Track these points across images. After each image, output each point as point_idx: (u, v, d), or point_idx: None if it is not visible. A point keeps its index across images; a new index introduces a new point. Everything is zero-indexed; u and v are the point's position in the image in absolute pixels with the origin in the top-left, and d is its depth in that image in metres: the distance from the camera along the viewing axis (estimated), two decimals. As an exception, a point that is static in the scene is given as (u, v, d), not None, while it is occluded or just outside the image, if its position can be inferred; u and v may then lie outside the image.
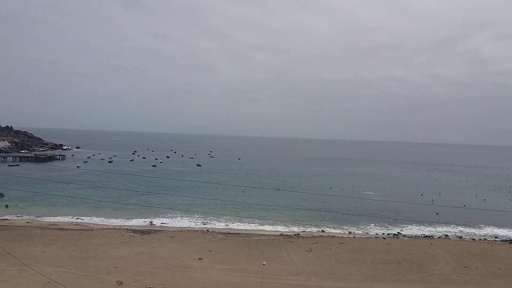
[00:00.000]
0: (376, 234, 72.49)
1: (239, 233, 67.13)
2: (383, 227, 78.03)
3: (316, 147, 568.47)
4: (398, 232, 74.25)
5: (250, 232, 69.37)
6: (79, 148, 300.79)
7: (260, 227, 74.73)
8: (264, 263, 43.72)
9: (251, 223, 77.28)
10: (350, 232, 73.03)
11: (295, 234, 68.47)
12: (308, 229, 73.96)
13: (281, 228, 73.98)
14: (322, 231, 73.25)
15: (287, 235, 67.55)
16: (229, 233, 66.66)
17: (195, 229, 69.93)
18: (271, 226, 75.34)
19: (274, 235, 66.72)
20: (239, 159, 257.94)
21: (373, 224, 79.87)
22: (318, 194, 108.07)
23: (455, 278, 46.70)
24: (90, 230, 65.21)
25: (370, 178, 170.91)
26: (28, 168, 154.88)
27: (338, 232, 73.21)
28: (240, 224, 76.54)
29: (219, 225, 75.08)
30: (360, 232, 74.02)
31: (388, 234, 72.84)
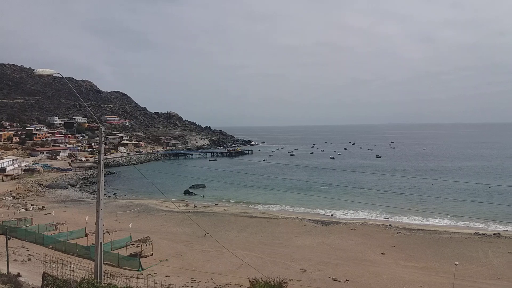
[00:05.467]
0: None
1: (425, 230, 62.18)
2: None
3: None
4: None
5: (438, 228, 63.55)
6: (264, 143, 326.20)
7: (451, 224, 67.84)
8: (457, 263, 39.43)
9: (440, 219, 70.73)
10: None
11: (494, 233, 59.70)
12: (511, 229, 63.68)
13: (476, 226, 65.67)
14: (531, 231, 62.08)
15: (484, 234, 59.44)
16: (414, 229, 62.43)
17: (377, 223, 67.77)
18: (463, 223, 67.66)
19: (468, 233, 59.54)
20: (424, 149, 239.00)
21: None
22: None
23: None
24: (276, 218, 69.93)
25: None
26: (223, 162, 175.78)
27: (553, 233, 60.90)
28: (427, 219, 70.84)
29: (403, 220, 71.08)
30: None
31: None
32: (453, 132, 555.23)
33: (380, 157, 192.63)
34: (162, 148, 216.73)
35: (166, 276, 38.23)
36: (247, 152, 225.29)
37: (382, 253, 48.78)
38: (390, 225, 65.50)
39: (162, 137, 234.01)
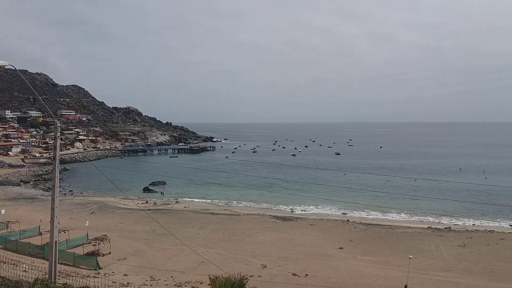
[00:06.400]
0: (549, 231, 61.90)
1: (381, 225, 64.38)
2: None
3: (479, 132, 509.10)
4: None
5: (393, 223, 65.95)
6: (227, 140, 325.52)
7: (405, 219, 70.54)
8: (411, 256, 41.09)
9: (395, 214, 73.39)
10: (513, 228, 63.87)
11: (445, 228, 62.68)
12: (461, 222, 67.10)
13: (429, 221, 68.67)
14: (478, 225, 65.65)
15: (436, 228, 62.27)
16: (370, 224, 64.50)
17: (335, 218, 69.47)
18: (417, 218, 70.56)
19: (421, 228, 62.19)
20: (381, 147, 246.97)
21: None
22: (472, 184, 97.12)
23: None
24: (237, 215, 70.08)
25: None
26: (184, 159, 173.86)
27: (497, 226, 64.76)
28: (383, 215, 73.33)
29: (360, 215, 73.23)
30: (527, 228, 64.14)
31: None
32: (409, 131, 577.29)
33: (339, 154, 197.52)
34: (121, 144, 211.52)
35: (125, 275, 37.44)
36: (209, 148, 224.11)
37: (340, 248, 50.06)
38: (347, 220, 67.29)
39: (121, 133, 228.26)
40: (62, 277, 25.00)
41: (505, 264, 43.99)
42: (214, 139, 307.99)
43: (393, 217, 71.89)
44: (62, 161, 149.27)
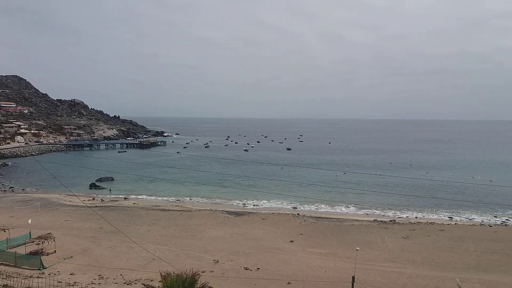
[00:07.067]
0: (482, 221, 66.60)
1: (330, 218, 66.38)
2: (489, 214, 71.36)
3: (422, 128, 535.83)
4: (507, 219, 67.48)
5: (342, 217, 68.17)
6: (178, 134, 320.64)
7: (353, 212, 73.06)
8: (358, 248, 42.71)
9: (343, 208, 75.84)
10: (450, 219, 68.09)
11: (390, 220, 65.74)
12: (405, 215, 70.54)
13: (375, 214, 71.60)
14: (420, 217, 69.33)
15: (381, 221, 65.14)
16: (320, 217, 66.29)
17: (286, 212, 70.70)
18: (364, 211, 73.28)
19: (368, 221, 64.78)
20: (329, 143, 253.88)
21: (477, 211, 73.41)
22: (415, 178, 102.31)
23: None
24: (189, 211, 69.42)
25: (477, 161, 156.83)
26: (134, 154, 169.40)
27: (437, 218, 68.74)
28: (332, 208, 75.53)
29: (310, 209, 74.97)
30: (462, 218, 68.58)
31: (495, 221, 66.52)
32: (356, 127, 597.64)
33: (290, 149, 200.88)
34: (66, 138, 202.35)
35: (71, 274, 36.04)
36: (159, 143, 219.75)
37: (290, 241, 51.05)
38: (298, 214, 68.75)
39: (66, 127, 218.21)
40: (2, 278, 23.70)
41: (444, 254, 46.85)
42: (165, 134, 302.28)
43: (341, 210, 74.24)
44: (2, 156, 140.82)
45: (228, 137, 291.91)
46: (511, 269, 41.79)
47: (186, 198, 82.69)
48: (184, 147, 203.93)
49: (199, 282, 21.21)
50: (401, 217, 69.29)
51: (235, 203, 78.66)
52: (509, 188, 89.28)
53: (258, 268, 40.27)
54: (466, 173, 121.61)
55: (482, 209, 74.76)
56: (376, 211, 73.27)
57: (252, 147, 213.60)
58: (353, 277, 30.69)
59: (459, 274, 39.12)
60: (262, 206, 76.51)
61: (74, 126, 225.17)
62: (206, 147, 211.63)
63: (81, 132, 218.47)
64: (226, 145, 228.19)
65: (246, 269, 40.05)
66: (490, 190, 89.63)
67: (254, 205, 77.18)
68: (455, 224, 63.81)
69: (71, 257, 41.91)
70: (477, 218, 68.57)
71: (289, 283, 36.29)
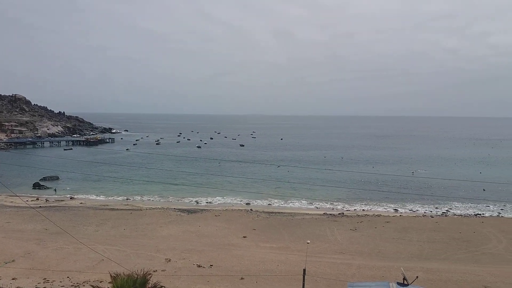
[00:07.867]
0: (424, 212, 70.47)
1: (282, 212, 67.53)
2: (431, 205, 75.59)
3: (370, 124, 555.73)
4: (447, 210, 71.85)
5: (293, 211, 69.56)
6: (128, 131, 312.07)
7: (304, 206, 74.69)
8: (308, 241, 43.81)
9: (294, 202, 77.35)
10: (396, 211, 71.47)
11: (339, 213, 67.90)
12: (353, 208, 73.12)
13: (325, 207, 73.61)
14: (367, 210, 72.18)
15: (331, 214, 67.12)
16: (272, 212, 67.24)
17: (239, 208, 71.06)
18: (314, 205, 75.13)
19: (318, 214, 66.54)
20: (281, 139, 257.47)
21: (420, 202, 77.51)
22: (363, 173, 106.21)
23: (509, 257, 44.69)
24: (140, 210, 67.92)
25: (420, 155, 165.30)
26: (80, 152, 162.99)
27: (383, 210, 71.88)
28: (284, 203, 76.81)
29: (263, 204, 75.79)
30: (406, 210, 72.21)
31: (436, 212, 70.64)
32: (307, 123, 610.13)
33: (243, 145, 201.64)
34: (6, 136, 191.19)
35: (13, 279, 34.22)
36: (107, 140, 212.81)
37: (244, 237, 51.40)
38: (251, 209, 69.32)
39: (6, 123, 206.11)
40: None
41: (390, 245, 49.13)
42: (113, 131, 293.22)
43: (293, 205, 75.72)
44: None
45: (180, 133, 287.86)
46: (450, 257, 44.62)
47: (136, 197, 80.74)
48: (134, 144, 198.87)
49: (150, 282, 20.94)
50: (349, 210, 71.74)
51: (188, 201, 77.92)
52: (448, 180, 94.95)
53: (211, 265, 40.22)
54: (409, 167, 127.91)
55: (425, 201, 79.04)
56: (326, 204, 75.32)
57: (205, 143, 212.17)
58: (304, 270, 31.40)
59: (403, 263, 41.16)
60: (216, 203, 76.37)
61: (15, 123, 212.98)
62: (157, 144, 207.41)
63: (24, 129, 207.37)
64: (178, 141, 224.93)
65: (199, 266, 39.86)
66: (431, 183, 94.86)
67: (207, 202, 76.82)
68: (400, 216, 67.02)
69: (13, 260, 39.76)
70: (420, 210, 72.45)
71: (242, 278, 36.56)
